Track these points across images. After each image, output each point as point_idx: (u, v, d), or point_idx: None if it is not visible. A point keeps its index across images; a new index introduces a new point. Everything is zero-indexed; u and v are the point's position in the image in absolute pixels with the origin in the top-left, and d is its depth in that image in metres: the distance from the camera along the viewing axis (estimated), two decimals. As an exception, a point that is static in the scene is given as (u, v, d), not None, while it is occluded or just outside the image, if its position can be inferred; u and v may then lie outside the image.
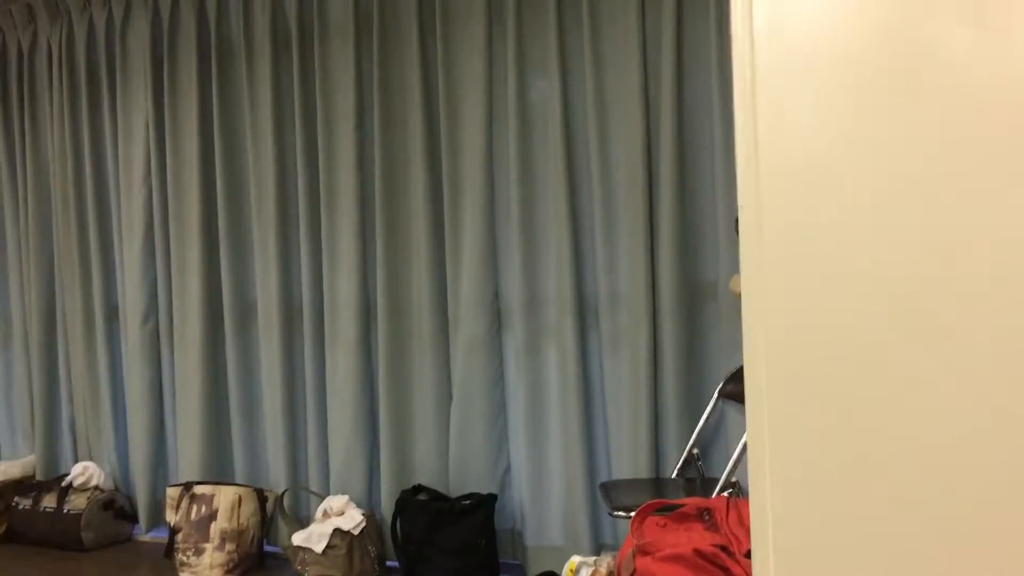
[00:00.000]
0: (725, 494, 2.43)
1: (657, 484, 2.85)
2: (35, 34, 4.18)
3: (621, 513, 2.53)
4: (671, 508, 2.02)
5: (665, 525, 1.93)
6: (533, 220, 3.12)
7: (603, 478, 3.04)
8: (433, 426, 3.31)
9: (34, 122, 4.18)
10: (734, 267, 2.79)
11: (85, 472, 3.91)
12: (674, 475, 2.85)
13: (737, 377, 2.76)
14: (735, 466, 2.45)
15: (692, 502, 1.98)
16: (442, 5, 3.23)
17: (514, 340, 3.18)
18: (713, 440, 2.89)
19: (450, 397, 3.29)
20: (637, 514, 1.96)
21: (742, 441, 2.45)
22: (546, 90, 3.08)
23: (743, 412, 2.78)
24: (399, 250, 3.36)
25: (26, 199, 4.19)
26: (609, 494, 2.71)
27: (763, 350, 1.30)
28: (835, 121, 1.23)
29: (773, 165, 1.30)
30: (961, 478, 1.05)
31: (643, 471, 2.92)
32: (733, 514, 1.86)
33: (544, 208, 3.11)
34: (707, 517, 1.92)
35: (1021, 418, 1.01)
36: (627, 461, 2.97)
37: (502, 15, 3.15)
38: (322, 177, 3.45)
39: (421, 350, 3.33)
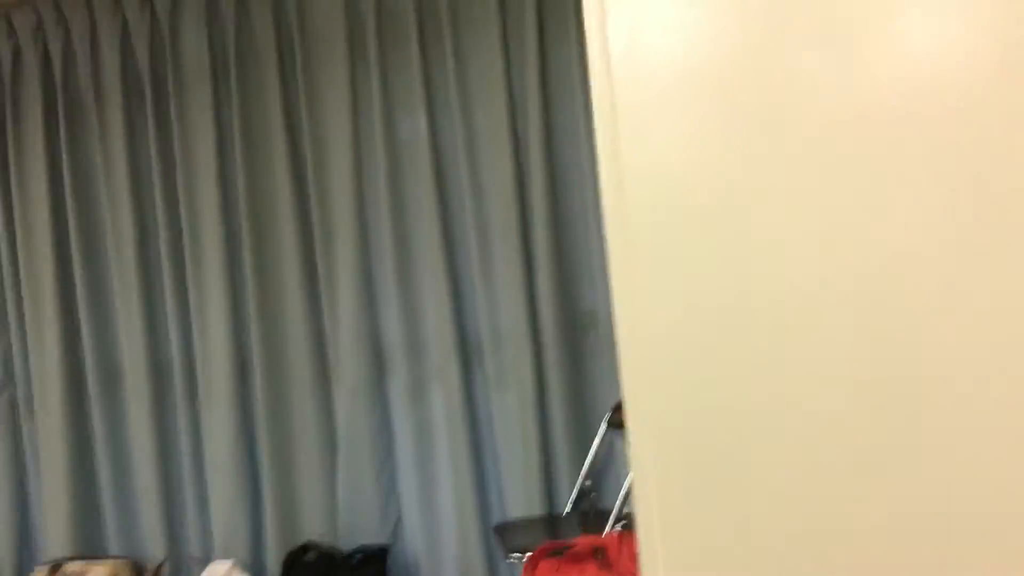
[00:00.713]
0: (618, 527, 2.40)
1: (551, 521, 2.81)
2: None
3: (516, 556, 2.47)
4: (565, 549, 1.97)
5: (559, 568, 1.88)
6: (409, 260, 3.05)
7: (497, 518, 2.97)
8: (319, 479, 3.19)
9: None
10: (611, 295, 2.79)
11: (-61, 559, 3.60)
12: (567, 510, 2.81)
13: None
14: (626, 497, 2.42)
15: (585, 541, 1.93)
16: (302, 43, 3.15)
17: (398, 384, 3.10)
18: (604, 471, 2.87)
19: (335, 448, 3.17)
20: (530, 560, 1.90)
21: (632, 472, 2.42)
22: (414, 126, 3.03)
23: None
24: (272, 299, 3.23)
25: None
26: (503, 536, 2.65)
27: (641, 373, 1.26)
28: (697, 147, 1.21)
29: (638, 197, 1.27)
30: (834, 487, 1.04)
31: (537, 508, 2.86)
32: (626, 549, 1.83)
33: (419, 247, 3.04)
34: (600, 556, 1.87)
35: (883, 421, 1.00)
36: (520, 499, 2.92)
37: (364, 52, 3.09)
38: (185, 228, 3.30)
39: (301, 400, 3.20)
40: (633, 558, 1.80)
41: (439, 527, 3.03)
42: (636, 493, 1.29)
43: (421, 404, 3.06)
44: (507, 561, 2.51)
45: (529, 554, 2.47)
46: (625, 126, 1.29)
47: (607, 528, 2.38)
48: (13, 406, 3.62)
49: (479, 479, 2.96)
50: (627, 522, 2.45)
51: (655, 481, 1.23)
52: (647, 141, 1.28)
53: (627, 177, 1.29)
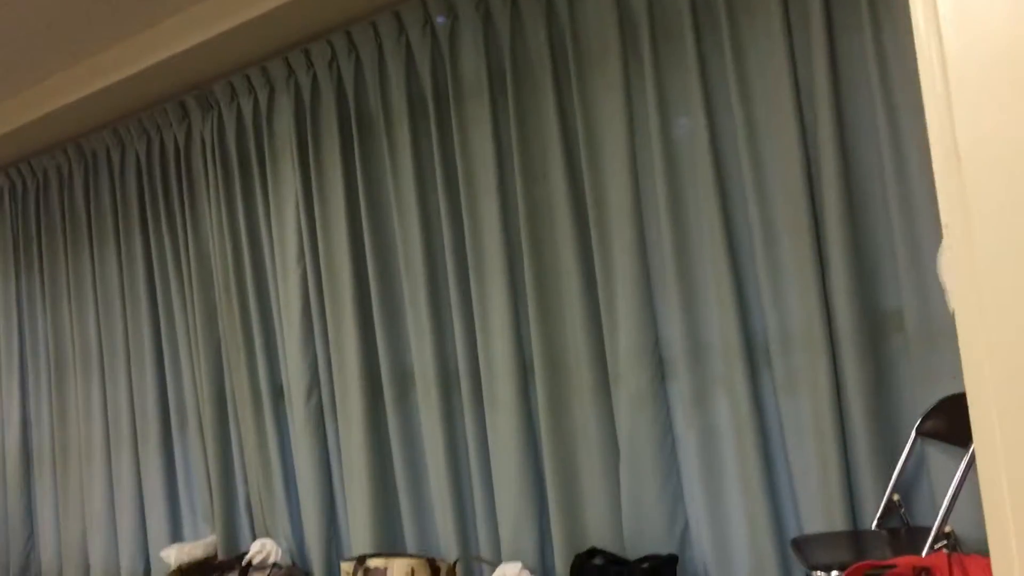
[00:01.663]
0: (939, 547, 2.17)
1: (856, 537, 2.61)
2: (189, 128, 4.38)
3: (820, 573, 2.31)
4: (883, 568, 1.80)
5: (878, 589, 1.72)
6: (689, 261, 2.97)
7: (792, 531, 2.81)
8: (602, 485, 3.17)
9: (194, 212, 4.36)
10: (918, 292, 2.55)
11: (263, 549, 3.96)
12: (874, 526, 2.60)
13: (938, 412, 2.50)
14: (947, 514, 2.19)
15: (905, 561, 1.76)
16: (575, 50, 3.16)
17: (680, 390, 3.02)
18: (914, 484, 2.62)
19: (617, 454, 3.14)
20: (849, 574, 1.76)
21: (953, 484, 2.19)
22: (691, 124, 2.95)
23: (948, 451, 2.51)
24: (551, 306, 3.26)
25: (191, 287, 4.36)
26: (803, 551, 2.49)
27: (989, 376, 1.11)
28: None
29: (977, 172, 1.13)
30: None
31: (837, 523, 2.67)
32: (957, 573, 1.64)
33: (699, 248, 2.95)
34: (926, 578, 1.69)
35: None
36: (818, 512, 2.74)
37: (638, 52, 3.05)
38: (468, 238, 3.42)
39: (582, 407, 3.20)
40: (968, 583, 1.61)
41: (729, 538, 2.91)
42: (989, 516, 1.13)
43: (705, 411, 2.96)
44: (810, 578, 2.36)
45: (836, 572, 2.31)
46: (958, 99, 1.15)
47: (926, 548, 2.17)
48: (320, 412, 3.91)
49: (770, 489, 2.82)
50: (949, 542, 2.22)
51: (1009, 502, 1.08)
52: (983, 114, 1.14)
53: (963, 154, 1.15)
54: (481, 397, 3.43)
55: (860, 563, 1.77)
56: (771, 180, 2.80)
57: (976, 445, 1.16)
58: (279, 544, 4.01)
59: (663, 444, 3.05)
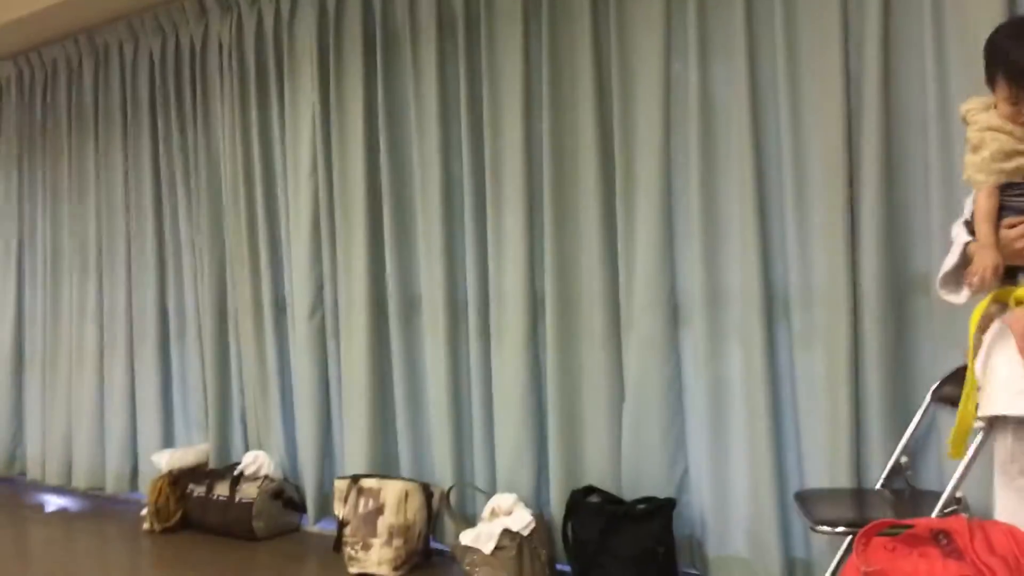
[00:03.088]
0: (949, 511, 2.16)
1: (860, 495, 2.60)
2: (206, 29, 4.26)
3: (825, 528, 2.30)
4: (898, 528, 1.79)
5: (894, 548, 1.70)
6: (715, 208, 2.91)
7: (793, 485, 2.80)
8: (604, 426, 3.15)
9: (206, 116, 4.26)
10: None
11: (256, 461, 3.96)
12: (879, 486, 2.59)
13: (955, 379, 2.46)
14: (962, 478, 2.17)
15: (923, 523, 1.74)
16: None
17: (693, 337, 2.98)
18: (923, 448, 2.61)
19: (623, 396, 3.12)
20: (862, 534, 1.74)
21: (970, 450, 2.17)
22: (731, 67, 2.86)
23: (960, 419, 2.48)
24: (568, 242, 3.21)
25: (199, 194, 4.28)
26: (806, 505, 2.48)
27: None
28: None
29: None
30: None
31: (841, 480, 2.66)
32: (979, 539, 1.62)
33: (728, 195, 2.89)
34: (944, 541, 1.68)
35: None
36: (822, 468, 2.73)
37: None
38: (488, 166, 3.35)
39: (591, 347, 3.17)
40: (991, 551, 1.59)
41: (730, 487, 2.91)
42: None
43: (718, 359, 2.92)
44: (814, 531, 2.35)
45: (841, 528, 2.30)
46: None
47: (935, 511, 2.15)
48: (322, 328, 3.87)
49: (776, 442, 2.80)
50: (960, 507, 2.21)
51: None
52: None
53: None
54: (488, 328, 3.39)
55: (877, 521, 1.75)
56: (809, 129, 2.73)
57: None
58: (272, 457, 4.00)
59: (670, 389, 3.03)
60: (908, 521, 1.79)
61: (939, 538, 1.70)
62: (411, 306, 3.64)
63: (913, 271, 2.62)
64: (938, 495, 2.48)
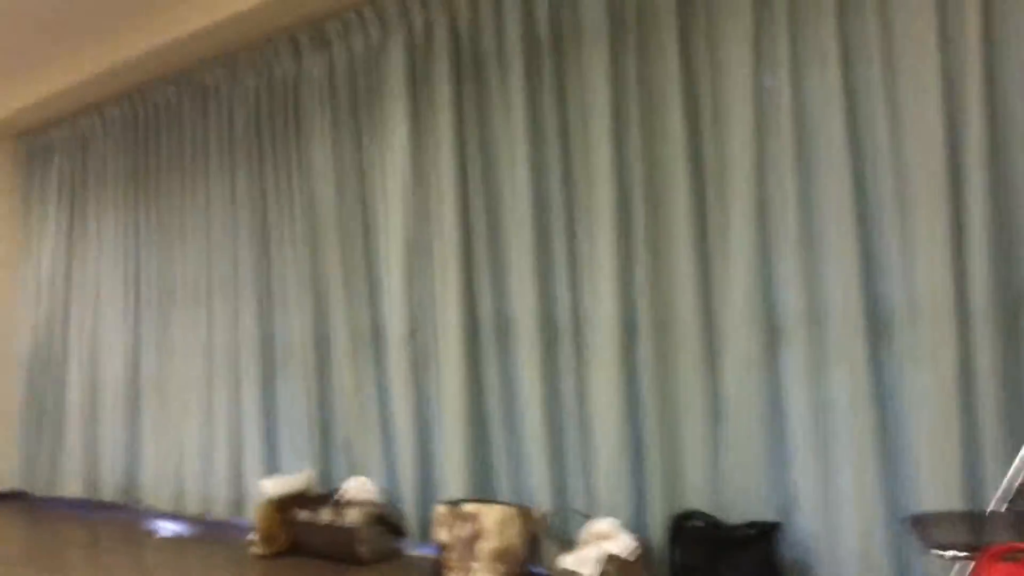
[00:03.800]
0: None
1: (976, 517, 2.49)
2: (300, 65, 4.39)
3: (942, 552, 2.21)
4: (1021, 553, 1.71)
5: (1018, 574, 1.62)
6: (812, 223, 2.85)
7: (904, 507, 2.70)
8: (703, 448, 3.11)
9: (302, 150, 4.38)
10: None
11: (359, 487, 4.02)
12: (993, 507, 2.47)
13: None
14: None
15: (1049, 549, 1.66)
16: (705, 4, 3.03)
17: (793, 357, 2.92)
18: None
19: (721, 417, 3.07)
20: (984, 559, 1.67)
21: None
22: (825, 77, 2.80)
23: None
24: (661, 262, 3.19)
25: (296, 225, 4.40)
26: (921, 529, 2.39)
27: None
28: None
29: None
30: None
31: (954, 501, 2.56)
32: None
33: (825, 209, 2.83)
34: (1075, 569, 1.59)
35: None
36: (934, 490, 2.63)
37: (772, 7, 2.90)
38: (579, 188, 3.36)
39: (688, 368, 3.13)
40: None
41: (837, 510, 2.82)
42: None
43: (820, 380, 2.85)
44: (932, 556, 2.26)
45: (960, 553, 2.21)
46: None
47: (1061, 535, 2.05)
48: (418, 354, 3.92)
49: (885, 464, 2.72)
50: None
51: None
52: None
53: None
54: (583, 350, 3.38)
55: (1001, 545, 1.68)
56: (910, 139, 2.65)
57: None
58: (374, 483, 4.06)
59: (771, 412, 2.97)
60: (1031, 547, 1.71)
61: (1069, 565, 1.61)
62: (505, 330, 3.66)
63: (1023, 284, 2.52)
64: (1062, 517, 2.37)
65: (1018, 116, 2.50)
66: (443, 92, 3.76)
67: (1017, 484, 2.45)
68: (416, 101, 3.88)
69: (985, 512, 2.51)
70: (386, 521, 4.01)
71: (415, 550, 3.99)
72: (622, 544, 3.14)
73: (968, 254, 2.55)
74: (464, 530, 3.49)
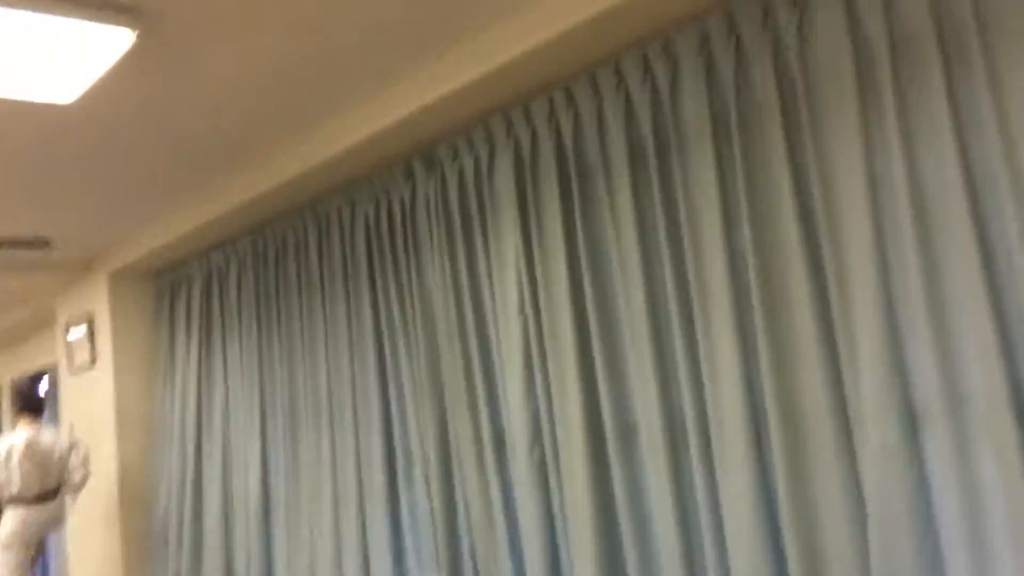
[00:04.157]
0: None
1: None
2: (414, 188, 4.57)
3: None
4: None
5: None
6: (942, 304, 2.74)
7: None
8: (848, 548, 2.95)
9: (419, 268, 4.53)
10: None
11: (487, 602, 3.96)
12: None
13: None
14: None
15: None
16: (805, 91, 3.04)
17: (936, 442, 2.77)
18: None
19: (864, 514, 2.92)
20: None
21: None
22: (940, 154, 2.74)
23: None
24: (785, 355, 3.10)
25: (416, 340, 4.50)
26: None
27: None
28: None
29: None
30: None
31: None
32: None
33: (953, 288, 2.72)
34: None
35: None
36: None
37: (876, 85, 2.89)
38: (693, 287, 3.33)
39: (824, 463, 3.00)
40: None
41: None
42: None
43: (966, 466, 2.69)
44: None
45: None
46: None
47: None
48: (543, 461, 3.90)
49: (1050, 557, 2.52)
50: None
51: None
52: None
53: None
54: (711, 451, 3.29)
55: None
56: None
57: None
58: (502, 598, 4.00)
59: (918, 503, 2.80)
60: None
61: None
62: (629, 436, 3.61)
63: None
64: None
65: None
66: (552, 205, 3.84)
67: None
68: (526, 214, 3.97)
69: None
70: (518, 637, 3.92)
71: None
72: (766, 655, 2.99)
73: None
74: (599, 644, 3.39)
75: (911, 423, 2.83)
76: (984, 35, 2.65)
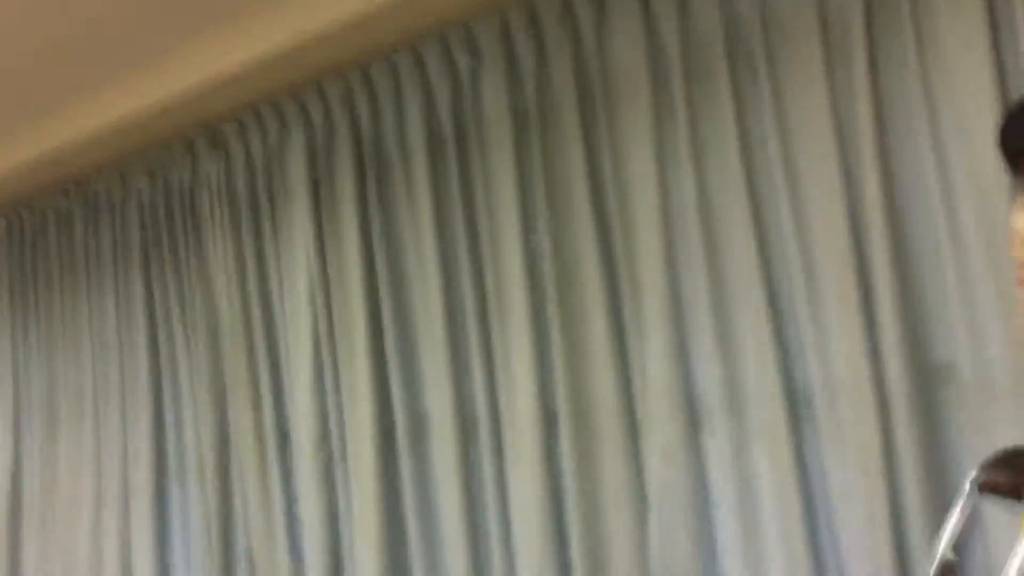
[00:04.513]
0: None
1: (909, 600, 2.46)
2: (195, 168, 4.27)
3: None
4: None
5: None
6: (725, 307, 2.85)
7: (836, 592, 2.66)
8: (630, 542, 3.02)
9: (200, 254, 4.23)
10: (972, 341, 2.44)
11: (265, 608, 3.77)
12: (927, 587, 2.45)
13: (997, 466, 2.36)
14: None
15: (996, 632, 1.61)
16: (603, 90, 3.07)
17: (716, 442, 2.88)
18: (968, 543, 2.47)
19: (647, 509, 2.99)
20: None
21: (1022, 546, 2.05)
22: (726, 167, 2.85)
23: (1006, 507, 2.37)
24: (578, 352, 3.13)
25: (195, 331, 4.22)
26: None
27: None
28: None
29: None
30: None
31: (886, 581, 2.53)
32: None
33: (736, 293, 2.83)
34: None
35: None
36: (864, 571, 2.59)
37: (669, 90, 2.95)
38: (489, 281, 3.30)
39: (611, 459, 3.06)
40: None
41: (769, 599, 2.76)
42: None
43: (743, 464, 2.82)
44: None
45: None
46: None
47: (998, 613, 2.02)
48: (329, 461, 3.75)
49: (815, 549, 2.67)
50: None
51: None
52: None
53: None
54: (502, 447, 3.28)
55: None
56: (813, 225, 2.69)
57: None
58: (281, 602, 3.82)
59: (696, 501, 2.91)
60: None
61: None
62: (419, 430, 3.53)
63: (936, 360, 2.55)
64: (993, 593, 2.36)
65: (914, 197, 2.57)
66: (347, 191, 3.68)
67: (949, 560, 2.43)
68: (318, 200, 3.79)
69: (917, 593, 2.48)
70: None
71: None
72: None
73: (879, 331, 2.57)
74: (383, 647, 3.29)
75: (693, 423, 2.93)
76: (769, 51, 2.76)
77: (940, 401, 2.55)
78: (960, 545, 2.48)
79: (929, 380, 2.55)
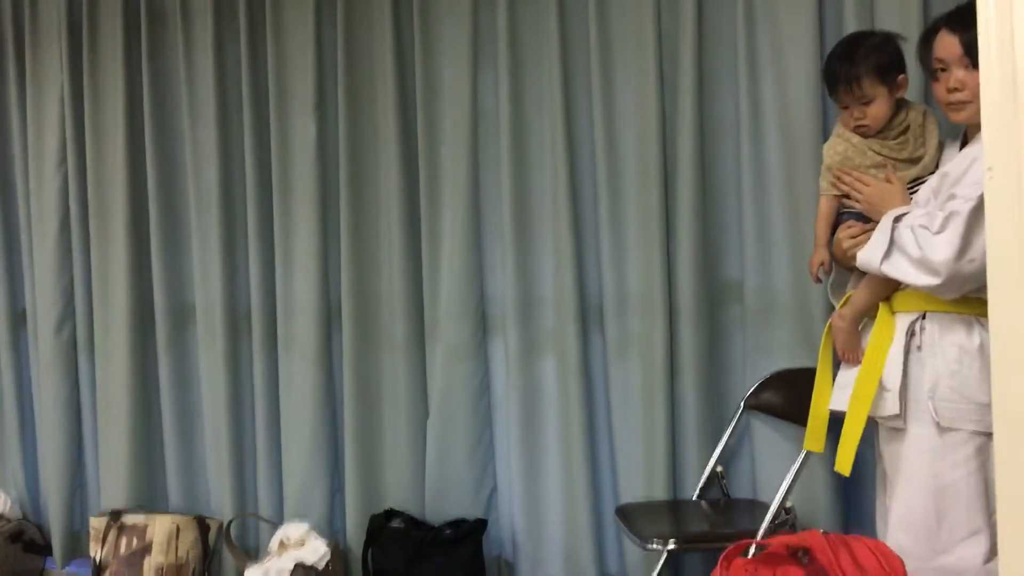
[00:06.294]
0: (779, 522, 2.15)
1: (677, 507, 2.56)
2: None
3: (656, 545, 2.23)
4: (755, 548, 1.72)
5: (756, 571, 1.63)
6: (527, 213, 2.79)
7: (609, 499, 2.73)
8: (407, 443, 2.95)
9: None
10: (761, 265, 2.53)
11: (-12, 500, 3.38)
12: (695, 496, 2.56)
13: (768, 386, 2.49)
14: (790, 489, 2.17)
15: (779, 540, 1.68)
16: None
17: (504, 347, 2.84)
18: (736, 457, 2.61)
19: (426, 411, 2.93)
20: (724, 557, 1.65)
21: (799, 460, 2.18)
22: (543, 67, 2.75)
23: (774, 425, 2.52)
24: (367, 246, 2.97)
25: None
26: (629, 520, 2.41)
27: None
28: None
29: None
30: None
31: (656, 491, 2.62)
32: (844, 555, 1.58)
33: (540, 199, 2.78)
34: (805, 559, 1.63)
35: None
36: (638, 481, 2.67)
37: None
38: (275, 163, 3.04)
39: (393, 359, 2.95)
40: (858, 566, 1.55)
41: (543, 504, 2.79)
42: (1001, 500, 1.04)
43: (529, 370, 2.80)
44: (645, 550, 2.27)
45: (671, 543, 2.23)
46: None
47: (765, 523, 2.13)
48: (72, 345, 3.36)
49: (592, 455, 2.72)
50: (789, 517, 2.21)
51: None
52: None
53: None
54: (276, 340, 3.07)
55: (737, 543, 1.68)
56: (623, 135, 2.67)
57: (997, 432, 1.05)
58: (8, 494, 3.43)
59: (479, 403, 2.87)
60: (763, 541, 1.73)
61: (799, 555, 1.64)
62: (183, 318, 3.23)
63: (726, 279, 2.63)
64: (753, 503, 2.51)
65: (724, 119, 2.60)
66: (112, 42, 3.23)
67: (716, 473, 2.55)
68: (77, 50, 3.29)
69: (686, 502, 2.59)
70: (23, 538, 3.40)
71: (63, 569, 3.43)
72: (313, 551, 2.89)
73: (675, 249, 2.61)
74: (127, 545, 3.05)
75: (482, 325, 2.87)
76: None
77: (725, 320, 2.63)
78: (730, 458, 2.62)
79: (717, 298, 2.63)
